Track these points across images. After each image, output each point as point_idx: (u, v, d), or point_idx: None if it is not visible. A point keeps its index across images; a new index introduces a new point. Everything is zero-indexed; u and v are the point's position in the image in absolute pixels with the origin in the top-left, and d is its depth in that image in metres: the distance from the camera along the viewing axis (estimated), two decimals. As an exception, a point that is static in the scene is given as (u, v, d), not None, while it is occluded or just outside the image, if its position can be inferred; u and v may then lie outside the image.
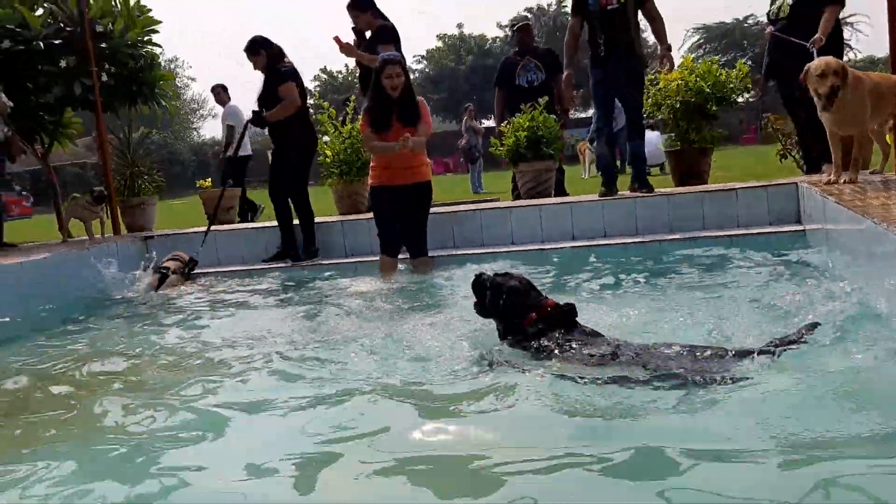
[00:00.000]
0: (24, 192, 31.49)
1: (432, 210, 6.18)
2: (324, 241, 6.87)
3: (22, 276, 5.87)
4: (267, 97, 6.75)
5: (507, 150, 7.78)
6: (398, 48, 7.00)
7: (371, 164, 6.01)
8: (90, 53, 7.81)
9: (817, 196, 5.06)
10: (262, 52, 6.76)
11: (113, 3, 8.61)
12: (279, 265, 6.72)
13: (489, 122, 45.34)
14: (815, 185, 5.44)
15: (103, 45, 8.20)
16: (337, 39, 6.86)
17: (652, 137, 10.71)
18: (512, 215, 6.55)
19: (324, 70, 55.13)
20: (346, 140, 8.04)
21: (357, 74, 7.41)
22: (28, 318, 5.56)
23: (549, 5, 51.80)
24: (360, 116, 6.17)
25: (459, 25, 54.18)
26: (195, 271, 6.62)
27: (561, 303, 3.26)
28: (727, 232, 5.88)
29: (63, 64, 7.89)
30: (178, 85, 56.09)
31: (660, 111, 7.52)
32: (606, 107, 6.88)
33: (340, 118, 8.39)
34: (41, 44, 7.89)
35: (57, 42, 8.00)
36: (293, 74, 6.71)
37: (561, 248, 6.12)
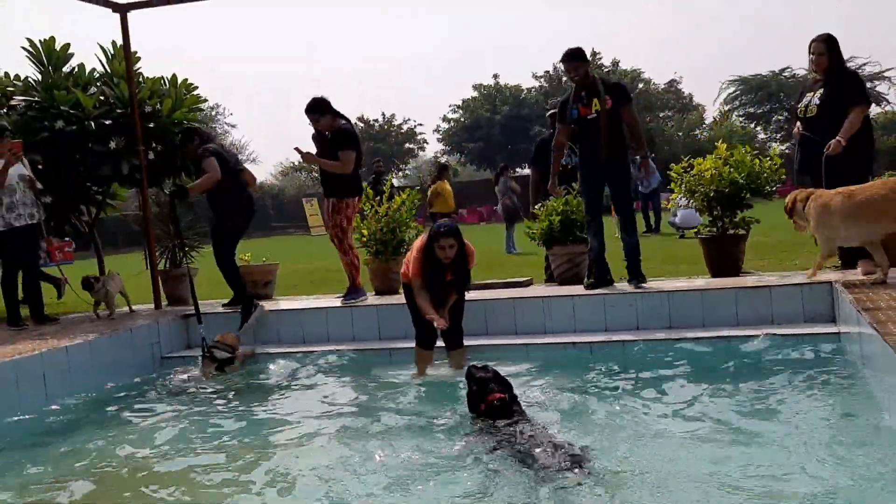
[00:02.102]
0: (67, 238, 32.41)
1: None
2: (359, 328, 7.01)
3: (70, 360, 6.06)
4: (200, 176, 7.50)
5: (540, 233, 7.87)
6: (357, 150, 7.36)
7: (407, 255, 6.06)
8: (138, 134, 8.10)
9: (850, 305, 5.06)
10: (196, 138, 7.62)
11: (162, 82, 8.96)
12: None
13: (523, 171, 45.60)
14: (848, 290, 5.46)
15: (151, 124, 8.50)
16: (297, 150, 7.40)
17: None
18: (545, 305, 6.62)
19: (361, 118, 55.96)
20: (383, 219, 8.18)
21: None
22: (74, 405, 5.75)
23: (584, 57, 52.14)
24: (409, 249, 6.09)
25: (495, 76, 54.80)
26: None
27: (506, 395, 4.27)
28: (760, 331, 5.87)
29: (112, 145, 8.19)
30: (219, 131, 57.46)
31: (693, 197, 7.56)
32: (594, 202, 7.03)
33: (370, 182, 8.50)
34: (92, 124, 8.22)
35: (107, 122, 8.32)
36: (214, 151, 7.43)
37: (593, 342, 6.18)
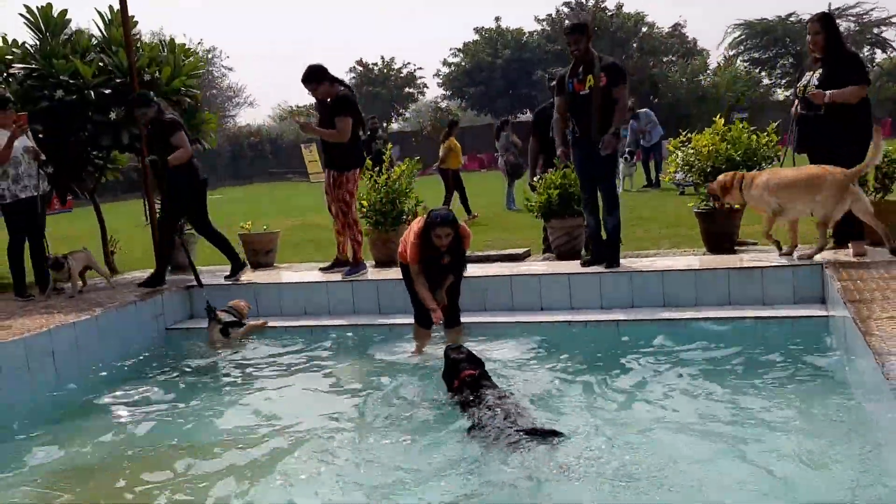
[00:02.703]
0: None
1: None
2: (359, 301, 7.16)
3: (77, 336, 6.21)
4: (162, 144, 7.45)
5: (538, 206, 7.95)
6: (356, 115, 7.39)
7: (405, 234, 6.13)
8: (139, 103, 8.08)
9: (836, 293, 5.18)
10: (154, 104, 7.51)
11: (160, 49, 8.92)
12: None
13: (524, 117, 45.29)
14: (837, 274, 5.58)
15: (151, 93, 8.48)
16: (296, 120, 7.33)
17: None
18: (542, 282, 6.74)
19: (359, 62, 55.33)
20: (383, 188, 8.24)
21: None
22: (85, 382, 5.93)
23: (587, 0, 51.34)
24: (408, 231, 6.06)
25: (497, 18, 53.97)
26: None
27: (476, 372, 4.67)
28: (751, 313, 6.01)
29: (112, 115, 8.20)
30: (216, 74, 56.85)
31: (691, 171, 7.63)
32: (587, 180, 7.04)
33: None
34: (92, 93, 8.21)
35: (107, 92, 8.31)
36: (181, 124, 7.56)
37: (586, 321, 6.33)
